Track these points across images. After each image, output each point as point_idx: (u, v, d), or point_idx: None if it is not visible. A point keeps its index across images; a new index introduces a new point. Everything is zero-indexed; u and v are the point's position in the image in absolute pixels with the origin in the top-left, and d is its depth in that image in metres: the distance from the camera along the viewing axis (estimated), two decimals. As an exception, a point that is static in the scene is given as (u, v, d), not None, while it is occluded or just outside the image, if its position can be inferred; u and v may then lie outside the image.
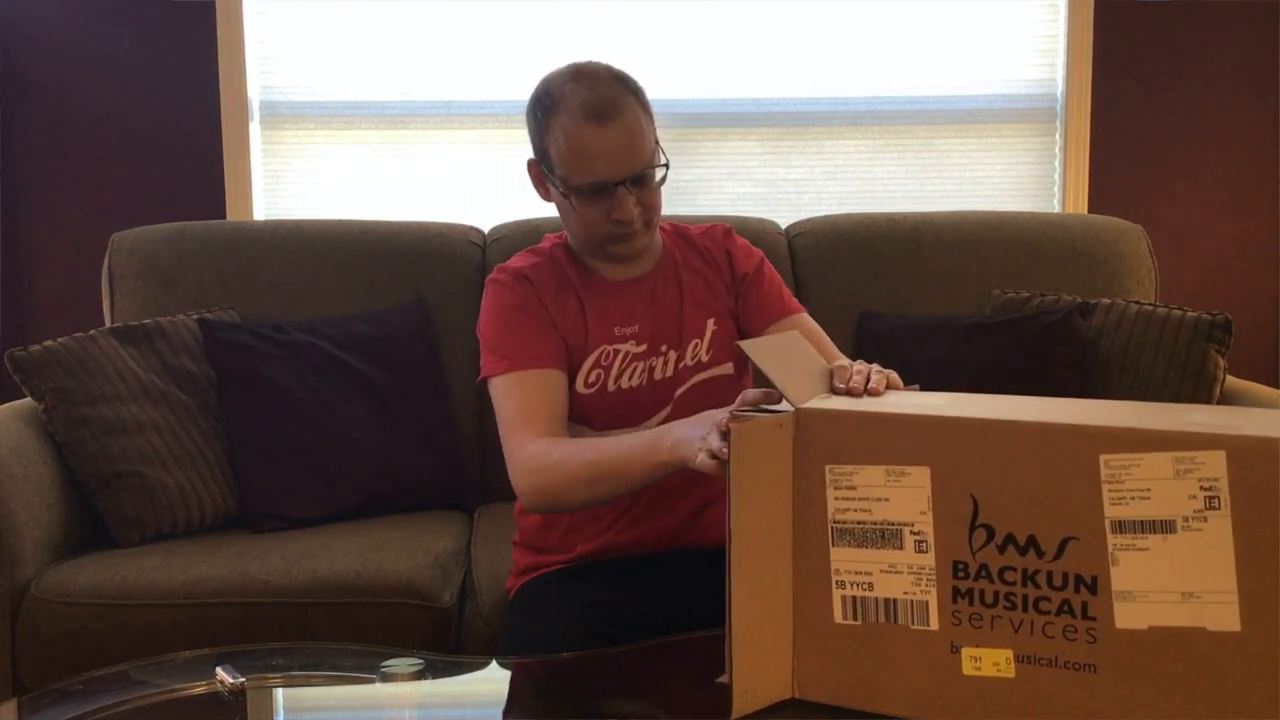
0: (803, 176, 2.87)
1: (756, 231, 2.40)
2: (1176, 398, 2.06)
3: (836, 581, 1.06)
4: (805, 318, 1.66)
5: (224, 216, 2.79)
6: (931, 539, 1.03)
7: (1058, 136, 2.86)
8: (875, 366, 1.18)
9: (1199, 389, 2.06)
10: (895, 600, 1.04)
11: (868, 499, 1.04)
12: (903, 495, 1.03)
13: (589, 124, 1.46)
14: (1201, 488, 0.93)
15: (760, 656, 1.06)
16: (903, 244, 2.42)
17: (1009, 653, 1.00)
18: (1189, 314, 2.11)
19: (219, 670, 1.19)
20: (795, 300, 1.69)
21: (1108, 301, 2.23)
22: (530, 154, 1.58)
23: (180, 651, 1.32)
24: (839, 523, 1.05)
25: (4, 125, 2.76)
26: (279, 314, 2.31)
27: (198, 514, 2.03)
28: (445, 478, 2.21)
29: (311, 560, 1.85)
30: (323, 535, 1.98)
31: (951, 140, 2.87)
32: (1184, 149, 2.87)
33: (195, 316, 2.21)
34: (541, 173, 1.57)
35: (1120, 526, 0.95)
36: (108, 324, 2.34)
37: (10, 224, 2.79)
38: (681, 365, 1.60)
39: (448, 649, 1.80)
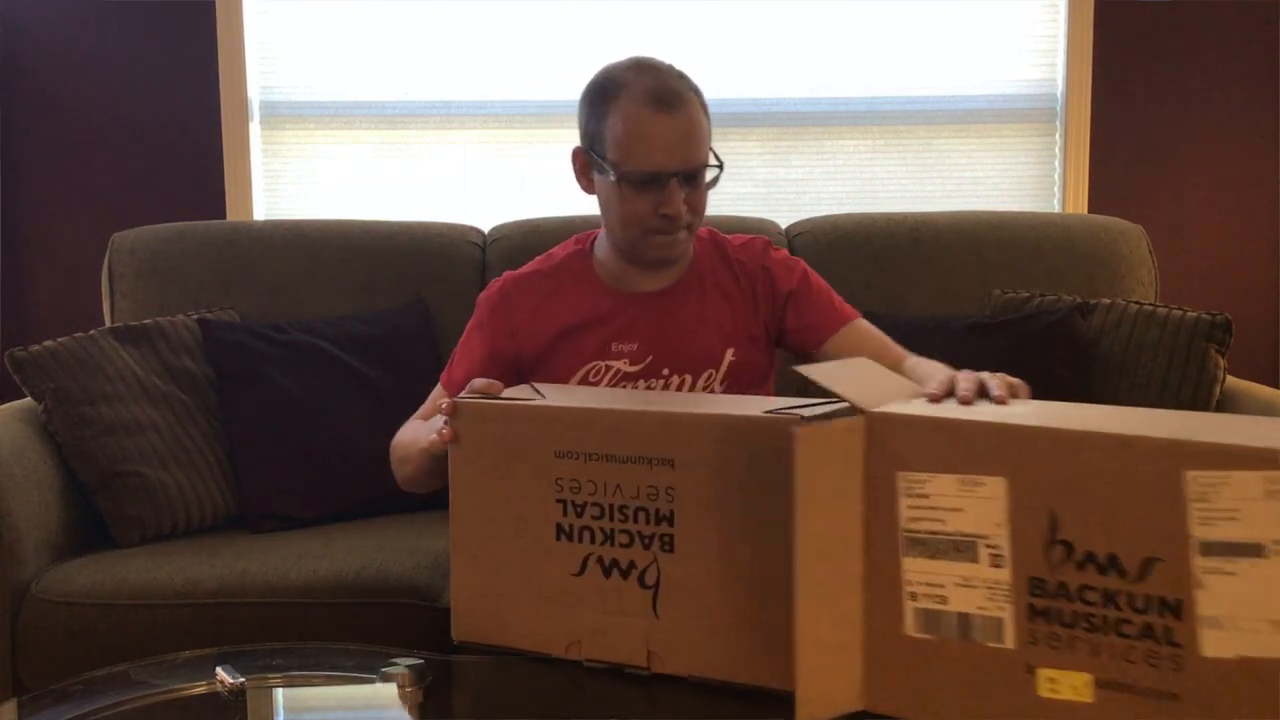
0: (803, 176, 2.87)
1: (756, 231, 2.39)
2: (1176, 397, 2.06)
3: (909, 593, 1.02)
4: (862, 324, 1.61)
5: (224, 216, 2.79)
6: (1008, 553, 0.98)
7: (1058, 136, 2.86)
8: (999, 376, 1.13)
9: (1199, 389, 2.06)
10: (969, 615, 1.00)
11: (940, 509, 1.00)
12: (977, 506, 0.99)
13: (651, 109, 1.44)
14: None
15: (826, 663, 1.03)
16: (903, 244, 2.42)
17: (1088, 677, 0.95)
18: (1189, 314, 2.11)
19: (219, 670, 1.19)
20: (848, 307, 1.64)
21: (1108, 301, 2.23)
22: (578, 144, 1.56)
23: (180, 651, 1.32)
24: (911, 532, 1.01)
25: (4, 126, 2.76)
26: (279, 314, 2.31)
27: (198, 514, 2.03)
28: (445, 478, 2.21)
29: (311, 560, 1.85)
30: (323, 535, 1.98)
31: (951, 140, 2.87)
32: (1184, 149, 2.86)
33: (195, 316, 2.21)
34: (589, 161, 1.53)
35: (1207, 548, 0.89)
36: (108, 324, 2.34)
37: (10, 224, 2.79)
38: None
39: (448, 649, 1.80)
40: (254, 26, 2.80)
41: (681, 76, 1.50)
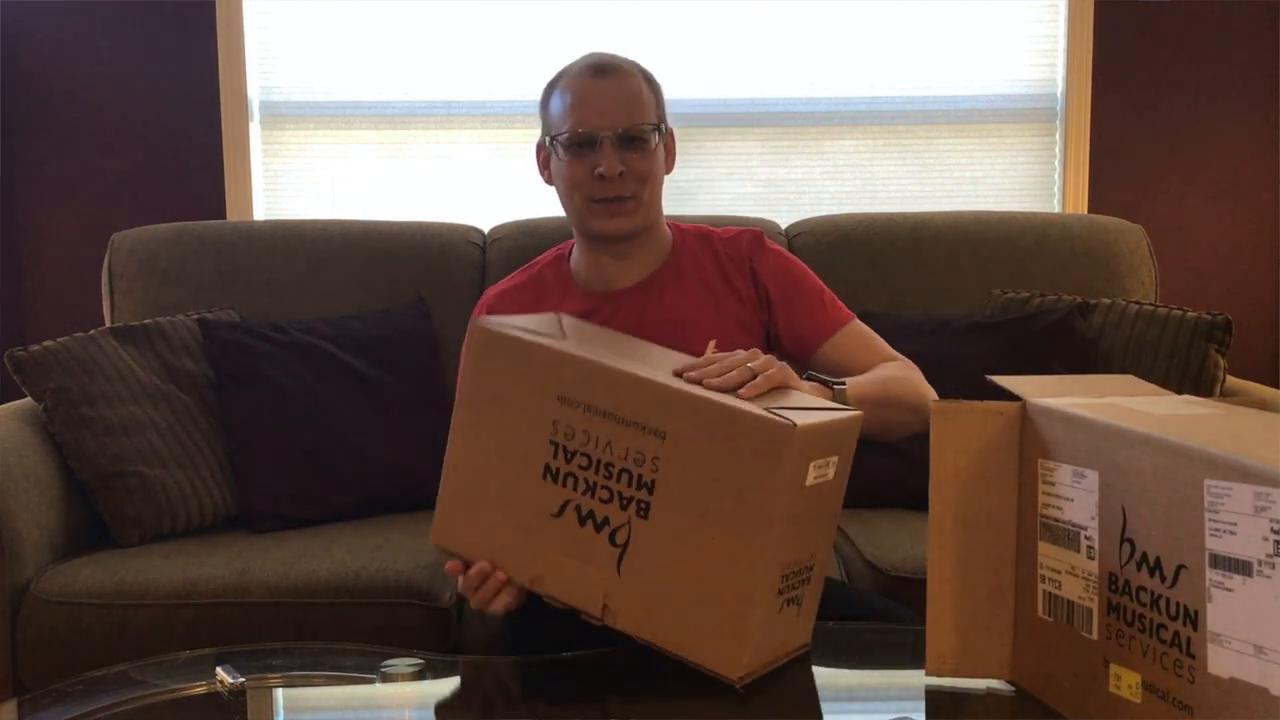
0: (803, 176, 2.87)
1: (756, 231, 2.40)
2: (1176, 398, 2.06)
3: (1040, 575, 1.07)
4: (855, 327, 1.58)
5: (224, 216, 2.79)
6: (1098, 546, 1.00)
7: (1058, 136, 2.86)
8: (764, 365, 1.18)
9: (1199, 389, 2.06)
10: (1073, 603, 1.03)
11: (1061, 498, 1.04)
12: (1082, 498, 1.02)
13: (585, 77, 1.51)
14: (1273, 529, 0.83)
15: (960, 625, 1.09)
16: (903, 244, 2.42)
17: (1139, 677, 0.96)
18: (1189, 314, 2.11)
19: (219, 670, 1.19)
20: (842, 309, 1.60)
21: (1108, 301, 2.23)
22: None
23: (180, 651, 1.32)
24: (1044, 518, 1.06)
25: (5, 125, 2.76)
26: (279, 314, 2.31)
27: (198, 514, 2.03)
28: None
29: (311, 560, 1.85)
30: (323, 535, 1.98)
31: (951, 140, 2.87)
32: (1184, 149, 2.86)
33: (195, 316, 2.21)
34: (543, 148, 1.58)
35: (1215, 560, 0.88)
36: (108, 324, 2.34)
37: (10, 224, 2.79)
38: None
39: (448, 649, 1.80)
40: (254, 26, 2.80)
41: (633, 62, 1.56)
